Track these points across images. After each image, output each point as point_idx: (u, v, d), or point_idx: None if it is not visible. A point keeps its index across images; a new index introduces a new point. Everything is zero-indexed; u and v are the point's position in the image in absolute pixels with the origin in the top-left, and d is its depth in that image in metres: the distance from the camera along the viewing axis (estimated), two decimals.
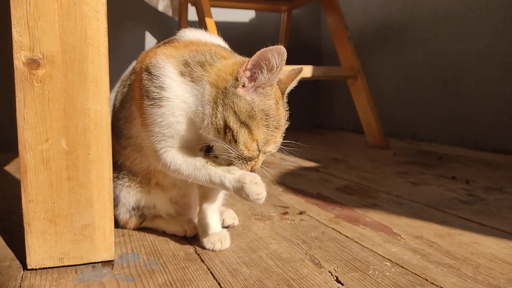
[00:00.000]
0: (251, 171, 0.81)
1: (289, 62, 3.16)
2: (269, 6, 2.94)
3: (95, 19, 0.79)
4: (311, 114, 3.45)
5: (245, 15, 3.15)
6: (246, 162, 0.81)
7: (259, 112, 0.77)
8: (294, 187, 1.43)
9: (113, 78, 1.05)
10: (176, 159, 0.85)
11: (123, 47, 2.76)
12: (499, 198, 1.25)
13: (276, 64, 0.74)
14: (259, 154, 0.81)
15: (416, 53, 2.51)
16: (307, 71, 2.19)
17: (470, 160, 1.86)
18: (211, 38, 0.90)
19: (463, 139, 2.23)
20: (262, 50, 0.74)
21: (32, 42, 0.76)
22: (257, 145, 0.79)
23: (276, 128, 0.80)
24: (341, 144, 2.51)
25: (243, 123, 0.77)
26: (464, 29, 2.20)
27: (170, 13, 2.73)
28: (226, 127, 0.77)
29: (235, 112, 0.77)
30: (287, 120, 0.85)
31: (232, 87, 0.77)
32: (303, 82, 3.45)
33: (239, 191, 0.78)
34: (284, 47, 3.01)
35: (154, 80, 0.81)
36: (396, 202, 1.23)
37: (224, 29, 3.13)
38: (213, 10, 2.93)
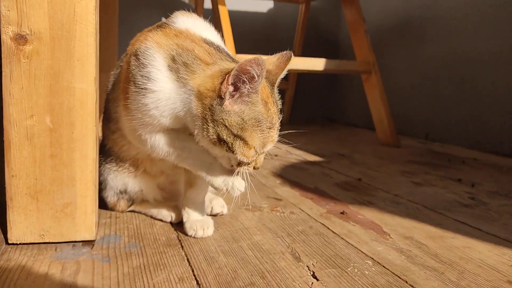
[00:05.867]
0: (255, 168, 0.83)
1: (305, 54, 3.11)
2: None
3: None
4: (325, 108, 3.40)
5: (263, 5, 3.12)
6: (248, 165, 0.80)
7: (250, 121, 0.75)
8: (292, 180, 1.41)
9: None
10: (161, 143, 0.84)
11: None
12: (503, 203, 1.20)
13: (257, 74, 0.71)
14: (258, 155, 0.80)
15: (434, 50, 2.43)
16: (319, 64, 2.15)
17: (481, 163, 1.79)
18: (202, 28, 0.86)
19: (477, 142, 2.16)
20: (240, 63, 0.71)
21: (20, 18, 0.76)
22: (255, 150, 0.78)
23: (270, 128, 0.78)
24: (351, 140, 2.46)
25: (237, 136, 0.75)
26: (484, 28, 2.11)
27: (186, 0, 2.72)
28: (220, 140, 0.76)
29: (226, 127, 0.75)
30: (279, 111, 0.83)
31: (218, 104, 0.74)
32: (318, 75, 3.39)
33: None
34: (301, 39, 2.97)
35: (141, 69, 0.78)
36: (393, 201, 1.20)
37: (242, 19, 3.12)
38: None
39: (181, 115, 0.79)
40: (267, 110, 0.77)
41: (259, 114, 0.76)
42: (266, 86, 0.79)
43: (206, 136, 0.76)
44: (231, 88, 0.73)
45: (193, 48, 0.80)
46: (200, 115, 0.76)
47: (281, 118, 0.82)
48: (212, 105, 0.75)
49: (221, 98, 0.74)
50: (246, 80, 0.72)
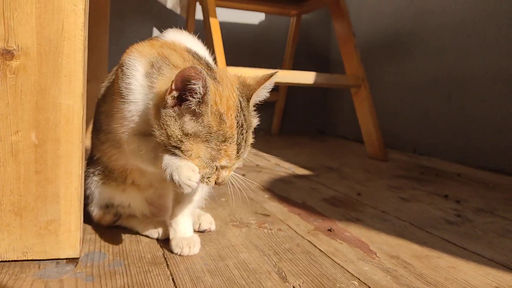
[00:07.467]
0: (217, 184, 0.79)
1: (296, 67, 3.13)
2: (278, 10, 2.91)
3: (73, 13, 0.78)
4: (315, 121, 3.42)
5: (254, 17, 3.14)
6: (205, 179, 0.77)
7: (192, 130, 0.73)
8: (280, 195, 1.41)
9: None
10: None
11: (129, 42, 2.77)
12: (488, 221, 1.21)
13: (201, 85, 0.70)
14: (216, 170, 0.77)
15: (422, 65, 2.47)
16: (309, 77, 2.17)
17: (468, 178, 1.81)
18: (188, 41, 0.87)
19: (464, 156, 2.18)
20: (181, 69, 0.70)
21: (7, 33, 0.76)
22: (203, 163, 0.74)
23: (222, 142, 0.74)
24: (340, 152, 2.47)
25: (177, 146, 0.75)
26: (473, 44, 2.15)
27: (178, 10, 2.73)
28: (166, 146, 0.76)
29: (167, 134, 0.74)
30: (244, 127, 0.78)
31: (163, 108, 0.73)
32: (309, 88, 3.43)
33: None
34: (292, 51, 3.00)
35: (124, 78, 0.80)
36: (380, 217, 1.20)
37: (233, 31, 3.14)
38: (222, 11, 2.92)
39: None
40: (219, 123, 0.74)
41: (206, 126, 0.73)
42: (230, 97, 0.76)
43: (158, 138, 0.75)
44: (175, 93, 0.71)
45: (170, 55, 0.81)
46: (153, 119, 0.76)
47: (246, 135, 0.79)
48: (160, 108, 0.74)
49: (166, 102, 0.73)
50: (190, 87, 0.70)
